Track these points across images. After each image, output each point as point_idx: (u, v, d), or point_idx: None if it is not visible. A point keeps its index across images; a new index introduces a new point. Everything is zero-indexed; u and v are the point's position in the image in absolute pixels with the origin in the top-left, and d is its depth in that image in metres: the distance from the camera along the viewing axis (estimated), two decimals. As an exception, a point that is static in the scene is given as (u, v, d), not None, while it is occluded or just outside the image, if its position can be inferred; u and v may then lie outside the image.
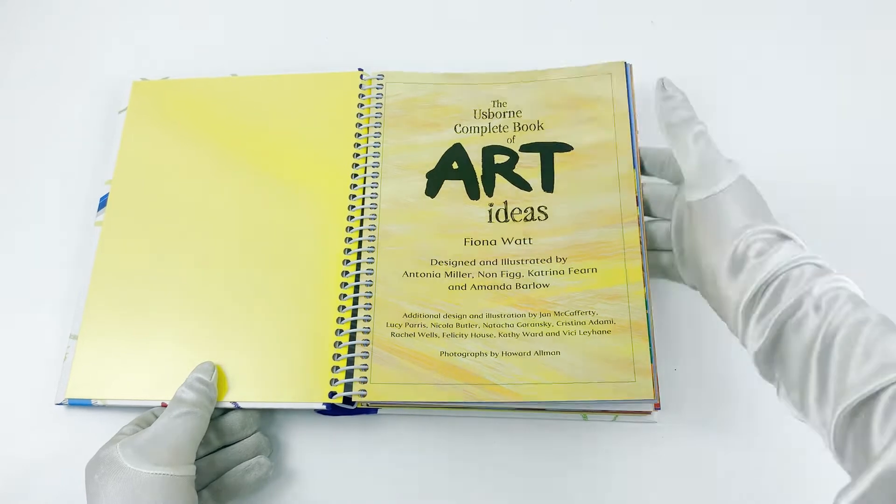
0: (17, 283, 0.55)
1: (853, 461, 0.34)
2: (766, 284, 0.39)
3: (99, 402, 0.50)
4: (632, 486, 0.48)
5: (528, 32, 0.64)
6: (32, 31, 0.64)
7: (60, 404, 0.50)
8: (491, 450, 0.49)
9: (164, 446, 0.41)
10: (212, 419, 0.48)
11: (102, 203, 0.56)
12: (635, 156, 0.53)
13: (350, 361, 0.49)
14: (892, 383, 0.32)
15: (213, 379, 0.47)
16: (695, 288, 0.47)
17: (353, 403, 0.48)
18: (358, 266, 0.51)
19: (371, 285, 0.51)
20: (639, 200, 0.52)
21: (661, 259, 0.51)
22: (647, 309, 0.48)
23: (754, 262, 0.39)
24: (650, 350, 0.47)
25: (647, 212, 0.52)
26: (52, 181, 0.58)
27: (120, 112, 0.59)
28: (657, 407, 0.47)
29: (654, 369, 0.47)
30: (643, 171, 0.53)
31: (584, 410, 0.49)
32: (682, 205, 0.46)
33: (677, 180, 0.50)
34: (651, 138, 0.53)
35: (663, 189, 0.51)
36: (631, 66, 0.56)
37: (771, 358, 0.39)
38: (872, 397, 0.33)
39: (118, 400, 0.49)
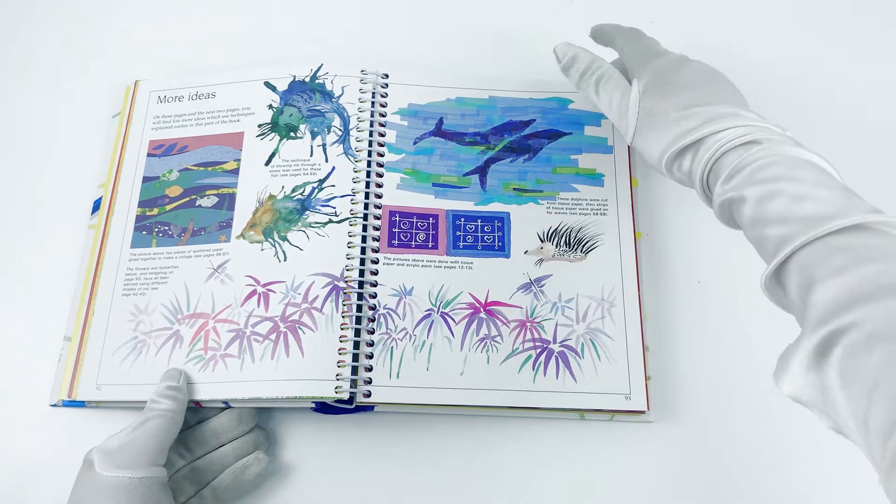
0: (12, 285, 0.55)
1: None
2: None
3: (92, 404, 0.49)
4: (628, 485, 0.48)
5: (526, 33, 0.64)
6: (26, 36, 0.64)
7: (55, 405, 0.50)
8: (487, 448, 0.49)
9: (130, 449, 0.42)
10: (207, 418, 0.48)
11: (96, 206, 0.56)
12: None
13: (355, 358, 0.49)
14: None
15: (182, 382, 0.47)
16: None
17: (351, 402, 0.48)
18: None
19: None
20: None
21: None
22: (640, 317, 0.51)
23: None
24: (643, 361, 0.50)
25: None
26: (46, 184, 0.58)
27: (113, 116, 0.60)
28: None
29: (646, 380, 0.49)
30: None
31: (581, 409, 0.49)
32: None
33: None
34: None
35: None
36: None
37: None
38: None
39: (111, 401, 0.49)
